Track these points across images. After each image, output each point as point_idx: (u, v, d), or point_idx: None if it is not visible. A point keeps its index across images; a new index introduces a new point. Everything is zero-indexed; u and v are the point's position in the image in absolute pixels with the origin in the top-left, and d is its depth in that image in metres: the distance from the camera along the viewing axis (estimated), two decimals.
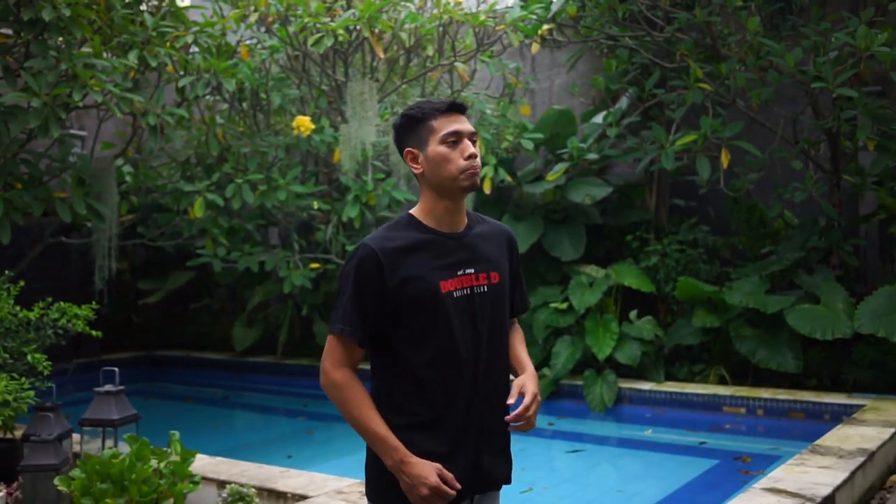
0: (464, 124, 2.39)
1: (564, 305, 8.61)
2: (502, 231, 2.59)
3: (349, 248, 8.86)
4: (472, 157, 2.36)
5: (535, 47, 8.35)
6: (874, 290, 7.65)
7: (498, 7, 7.66)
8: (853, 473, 5.01)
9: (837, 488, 4.70)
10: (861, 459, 5.26)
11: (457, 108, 2.40)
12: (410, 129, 2.40)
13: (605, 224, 9.49)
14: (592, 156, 8.83)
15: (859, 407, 6.93)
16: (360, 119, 7.59)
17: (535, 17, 7.87)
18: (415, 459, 2.30)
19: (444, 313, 2.36)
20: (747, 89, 7.94)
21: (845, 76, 7.19)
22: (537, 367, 8.60)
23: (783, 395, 7.54)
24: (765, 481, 4.82)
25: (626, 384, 8.21)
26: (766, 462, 6.31)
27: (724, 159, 7.84)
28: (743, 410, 7.52)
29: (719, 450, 6.94)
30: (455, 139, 2.36)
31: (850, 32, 7.21)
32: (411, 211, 2.46)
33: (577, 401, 8.30)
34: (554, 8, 7.71)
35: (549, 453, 7.37)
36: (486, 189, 8.43)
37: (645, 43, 8.49)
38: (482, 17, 7.19)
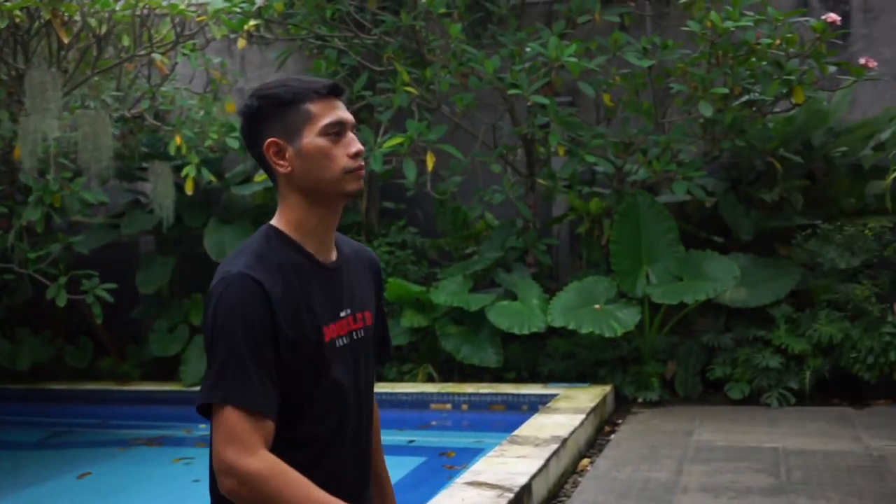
0: (346, 113, 1.86)
1: None
2: (369, 257, 2.05)
3: (31, 255, 7.98)
4: (358, 154, 1.84)
5: (241, 43, 8.04)
6: (565, 285, 8.20)
7: None
8: (548, 461, 5.26)
9: (534, 476, 4.91)
10: (555, 447, 5.55)
11: (338, 91, 1.86)
12: (275, 113, 1.81)
13: None
14: None
15: (553, 396, 7.36)
16: (41, 111, 6.88)
17: (239, 10, 7.57)
18: None
19: (325, 370, 1.81)
20: (451, 94, 8.18)
21: (538, 84, 7.63)
22: None
23: (486, 388, 7.85)
24: (467, 475, 4.93)
25: None
26: (471, 455, 6.50)
27: (430, 162, 8.02)
28: (449, 406, 7.72)
29: (426, 447, 7.07)
30: (338, 131, 1.82)
31: (543, 43, 7.65)
32: (274, 223, 1.85)
33: None
34: (259, 2, 7.47)
35: None
36: (189, 190, 7.99)
37: (353, 45, 8.49)
38: (182, 7, 6.79)
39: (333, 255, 1.89)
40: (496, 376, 8.20)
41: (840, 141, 8.63)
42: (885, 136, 8.34)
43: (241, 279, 1.72)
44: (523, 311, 7.97)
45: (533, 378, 8.18)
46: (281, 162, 1.81)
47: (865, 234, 7.84)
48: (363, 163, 1.86)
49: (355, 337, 1.89)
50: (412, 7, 8.02)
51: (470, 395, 7.78)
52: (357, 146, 1.84)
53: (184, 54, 7.34)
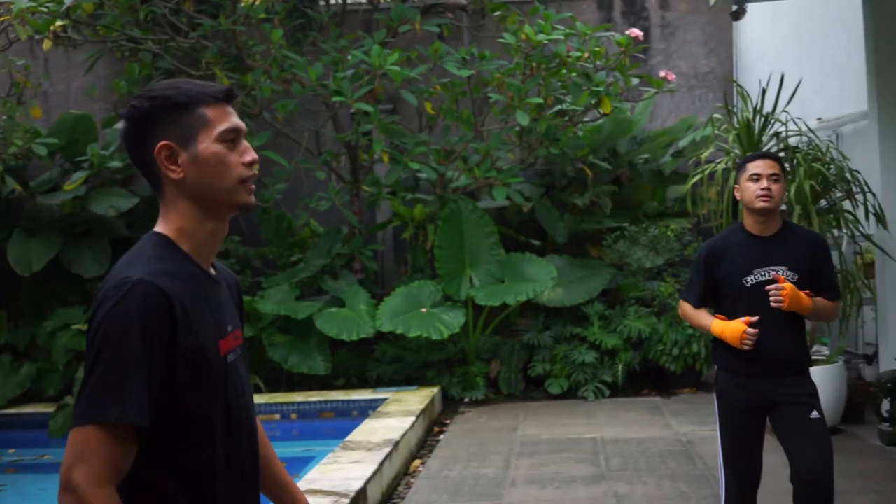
0: (239, 119, 1.76)
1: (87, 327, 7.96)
2: (231, 275, 1.94)
3: None
4: (253, 163, 1.74)
5: (46, 44, 7.60)
6: (392, 291, 8.30)
7: None
8: (381, 464, 5.32)
9: (368, 481, 4.95)
10: (387, 450, 5.62)
11: (232, 96, 1.77)
12: (168, 116, 1.69)
13: (133, 237, 8.98)
14: (116, 164, 8.31)
15: (383, 400, 7.44)
16: None
17: (46, 10, 7.17)
18: None
19: (222, 384, 1.70)
20: (273, 101, 8.10)
21: (362, 92, 7.69)
22: (58, 396, 7.87)
23: (315, 396, 7.81)
24: (301, 483, 4.89)
25: None
26: (303, 464, 6.45)
27: None
28: (278, 417, 7.62)
29: None
30: (234, 137, 1.72)
31: (365, 51, 7.73)
32: (161, 231, 1.72)
33: None
34: (67, 2, 7.10)
35: None
36: None
37: (169, 48, 8.23)
38: None
39: (213, 269, 1.80)
40: (325, 384, 8.19)
41: (643, 148, 9.25)
42: (682, 143, 9.02)
43: (143, 286, 1.59)
44: (351, 318, 8.00)
45: (362, 384, 8.22)
46: (173, 167, 1.70)
47: (668, 235, 8.43)
48: (256, 172, 1.78)
49: (238, 353, 1.82)
50: (231, 11, 7.88)
51: (299, 403, 7.72)
52: (252, 155, 1.76)
53: None
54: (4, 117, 7.30)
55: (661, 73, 8.30)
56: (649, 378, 8.19)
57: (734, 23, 9.33)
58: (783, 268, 3.41)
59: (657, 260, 8.34)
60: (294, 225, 8.97)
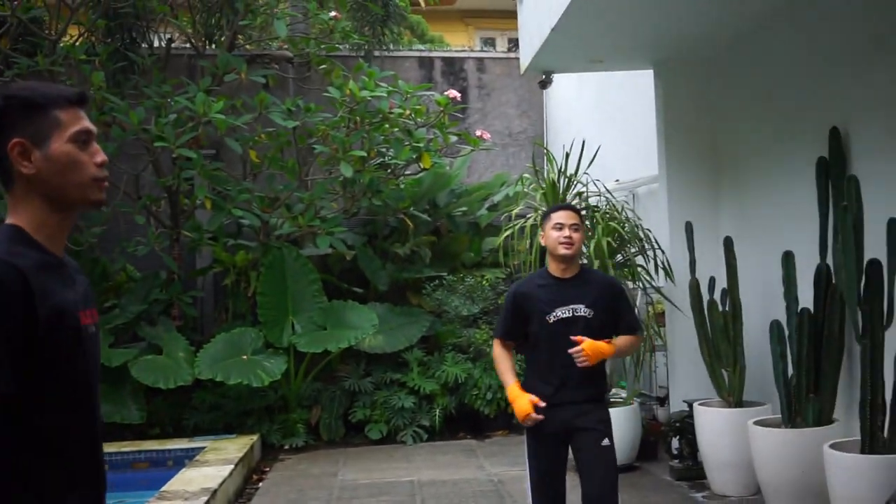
0: (90, 123, 1.91)
1: None
2: (79, 269, 2.05)
3: None
4: (104, 163, 1.89)
5: None
6: (212, 337, 8.24)
7: None
8: None
9: None
10: (205, 499, 5.58)
11: (84, 100, 1.91)
12: (23, 115, 1.82)
13: None
14: None
15: (201, 449, 7.33)
16: None
17: None
18: None
19: (79, 353, 1.82)
20: None
21: (185, 138, 7.69)
22: None
23: (128, 446, 7.59)
24: None
25: None
26: None
27: None
28: (107, 466, 7.33)
29: None
30: (86, 139, 1.87)
31: (189, 98, 7.74)
32: (13, 223, 1.85)
33: None
34: None
35: None
36: None
37: None
38: None
39: (62, 255, 1.93)
40: (139, 433, 7.97)
41: (461, 201, 9.72)
42: (497, 198, 9.57)
43: (1, 265, 1.72)
44: (169, 365, 7.87)
45: (178, 432, 8.07)
46: (25, 163, 1.82)
47: (483, 285, 8.88)
48: (107, 174, 1.93)
49: (93, 331, 1.93)
50: (51, 51, 7.69)
51: (111, 454, 7.45)
52: (103, 156, 1.90)
53: None
54: None
55: (478, 132, 8.79)
56: (465, 421, 8.51)
57: None
58: (581, 305, 3.82)
59: (473, 308, 8.75)
60: (109, 269, 8.74)
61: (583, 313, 3.81)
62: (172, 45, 9.65)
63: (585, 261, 5.97)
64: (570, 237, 3.83)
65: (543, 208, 6.51)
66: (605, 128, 8.58)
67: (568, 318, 3.81)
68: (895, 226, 4.20)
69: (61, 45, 7.62)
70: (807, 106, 5.44)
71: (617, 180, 7.86)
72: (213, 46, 9.45)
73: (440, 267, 9.22)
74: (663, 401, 7.02)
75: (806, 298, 5.04)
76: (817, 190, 4.97)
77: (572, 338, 3.74)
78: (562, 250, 3.84)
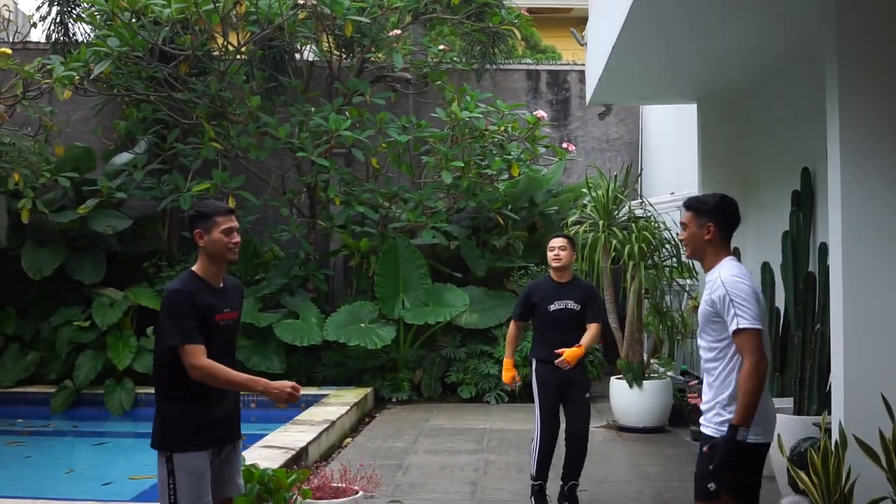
0: (234, 221, 3.66)
1: (87, 323, 9.77)
2: (237, 283, 3.85)
3: None
4: (237, 243, 3.65)
5: (67, 94, 9.38)
6: (338, 308, 10.22)
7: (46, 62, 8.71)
8: (320, 434, 7.23)
9: (310, 443, 6.86)
10: (326, 425, 7.52)
11: (232, 211, 3.70)
12: (202, 217, 3.61)
13: (123, 251, 10.79)
14: (122, 195, 10.15)
15: (326, 396, 9.30)
16: None
17: (74, 73, 8.98)
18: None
19: (214, 334, 3.56)
20: (248, 149, 10.01)
21: (321, 150, 9.64)
22: (59, 380, 9.66)
23: None
24: (259, 443, 6.79)
25: (142, 390, 9.60)
26: (258, 438, 8.28)
27: (231, 205, 9.80)
28: (254, 405, 9.31)
29: None
30: (230, 231, 3.60)
31: (324, 116, 9.68)
32: (193, 269, 3.65)
33: (98, 407, 9.49)
34: (97, 70, 8.97)
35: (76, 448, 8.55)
36: (25, 219, 9.21)
37: (166, 101, 10.10)
38: (31, 70, 8.26)
39: (221, 284, 3.76)
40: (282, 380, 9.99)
41: (553, 201, 11.30)
42: (585, 200, 11.08)
43: (179, 286, 3.59)
44: (304, 328, 9.89)
45: (310, 383, 10.07)
46: (201, 241, 3.67)
47: None
48: (238, 241, 3.72)
49: (230, 323, 3.74)
50: (220, 79, 9.78)
51: (258, 396, 9.50)
52: (237, 238, 3.70)
53: (23, 104, 8.63)
54: (36, 153, 8.97)
55: (564, 145, 10.36)
56: None
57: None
58: (571, 301, 5.48)
59: None
60: (259, 249, 10.87)
61: (571, 306, 5.51)
62: (312, 61, 11.61)
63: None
64: (558, 255, 5.57)
65: (594, 217, 8.08)
66: (682, 142, 9.90)
67: (562, 308, 5.51)
68: (825, 249, 5.57)
69: (229, 72, 9.67)
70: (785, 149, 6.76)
71: (672, 193, 9.28)
72: (348, 60, 11.26)
73: (530, 258, 10.82)
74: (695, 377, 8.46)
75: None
76: (789, 216, 6.32)
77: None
78: (553, 264, 5.59)
